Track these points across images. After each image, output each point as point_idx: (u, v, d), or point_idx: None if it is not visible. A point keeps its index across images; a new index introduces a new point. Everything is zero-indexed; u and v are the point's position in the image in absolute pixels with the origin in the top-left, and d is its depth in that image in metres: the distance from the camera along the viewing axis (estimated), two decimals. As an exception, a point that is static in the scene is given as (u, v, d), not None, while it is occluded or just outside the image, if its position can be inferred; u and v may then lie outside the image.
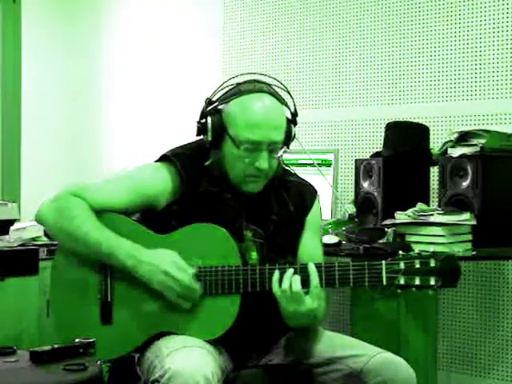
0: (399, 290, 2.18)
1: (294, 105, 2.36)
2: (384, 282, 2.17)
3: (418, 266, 2.16)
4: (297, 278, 2.15)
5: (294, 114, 2.35)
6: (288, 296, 2.15)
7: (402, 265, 2.17)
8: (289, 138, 2.31)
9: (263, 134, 2.23)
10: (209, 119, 2.28)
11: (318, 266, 2.19)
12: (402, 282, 2.17)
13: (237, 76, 2.36)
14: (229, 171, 2.29)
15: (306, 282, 2.16)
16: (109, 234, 2.21)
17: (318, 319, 2.25)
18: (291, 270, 2.17)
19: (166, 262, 2.16)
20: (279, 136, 2.26)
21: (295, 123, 2.35)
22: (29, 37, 4.84)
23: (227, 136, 2.26)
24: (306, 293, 2.15)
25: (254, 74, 2.37)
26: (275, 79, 2.39)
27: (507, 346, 3.49)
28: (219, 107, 2.30)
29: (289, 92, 2.37)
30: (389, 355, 2.23)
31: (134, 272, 2.19)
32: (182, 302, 2.18)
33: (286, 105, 2.32)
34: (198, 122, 2.32)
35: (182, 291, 2.17)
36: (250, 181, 2.28)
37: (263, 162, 2.24)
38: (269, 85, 2.32)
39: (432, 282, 2.16)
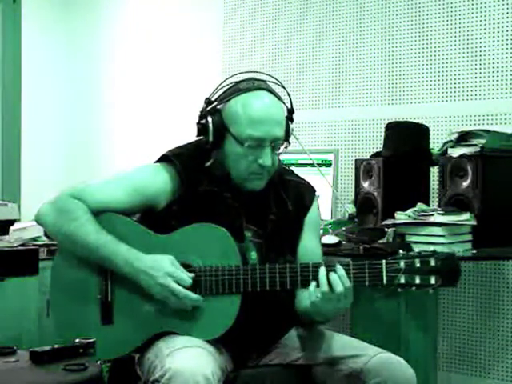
0: (399, 289, 2.18)
1: (291, 101, 2.37)
2: (384, 282, 2.17)
3: (418, 265, 2.16)
4: (337, 279, 2.14)
5: (291, 111, 2.36)
6: (326, 297, 2.14)
7: (402, 264, 2.17)
8: (288, 133, 2.32)
9: (266, 131, 2.23)
10: (209, 119, 2.28)
11: (317, 266, 2.19)
12: (402, 281, 2.17)
13: (233, 76, 2.36)
14: (231, 170, 2.29)
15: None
16: (107, 239, 2.21)
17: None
18: (324, 269, 2.16)
19: (161, 274, 2.16)
20: (281, 132, 2.27)
21: (292, 119, 2.35)
22: (29, 37, 4.84)
23: (229, 135, 2.26)
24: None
25: (250, 72, 2.37)
26: (272, 76, 2.39)
27: (507, 346, 3.49)
28: (218, 107, 2.29)
29: (285, 89, 2.37)
30: (389, 355, 2.23)
31: (132, 278, 2.19)
32: (182, 307, 2.18)
33: (283, 101, 2.33)
34: (198, 123, 2.32)
35: (180, 302, 2.17)
36: (254, 178, 2.28)
37: (267, 159, 2.25)
38: (265, 82, 2.32)
39: (432, 281, 2.16)
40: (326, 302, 2.15)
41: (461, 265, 2.20)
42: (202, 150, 2.32)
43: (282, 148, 2.30)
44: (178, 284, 2.16)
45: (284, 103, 2.33)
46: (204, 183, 2.29)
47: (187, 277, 2.17)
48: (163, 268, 2.17)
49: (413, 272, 2.16)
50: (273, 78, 2.38)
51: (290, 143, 2.34)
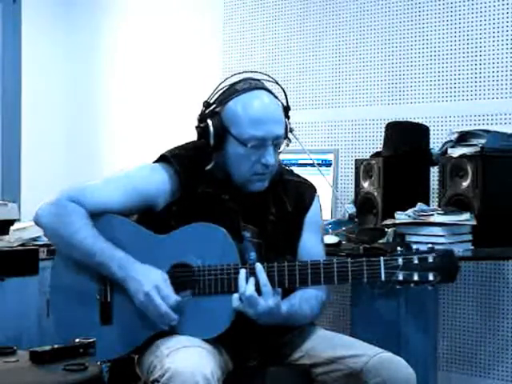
0: (398, 286, 2.18)
1: (286, 98, 2.37)
2: (383, 278, 2.17)
3: (416, 261, 2.17)
4: (250, 283, 2.16)
5: (287, 108, 2.36)
6: (244, 301, 2.15)
7: (400, 261, 2.17)
8: (287, 131, 2.32)
9: (267, 130, 2.24)
10: (209, 122, 2.27)
11: (314, 264, 2.19)
12: (400, 277, 2.17)
13: (228, 78, 2.35)
14: (233, 172, 2.29)
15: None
16: (103, 245, 2.21)
17: (294, 317, 2.26)
18: (243, 272, 2.17)
19: (150, 284, 2.16)
20: (281, 130, 2.28)
21: (288, 117, 2.35)
22: (29, 37, 4.84)
23: (230, 137, 2.26)
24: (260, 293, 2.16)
25: (245, 72, 2.37)
26: (268, 75, 2.39)
27: (507, 346, 3.49)
28: (217, 109, 2.29)
29: (281, 87, 2.37)
30: (389, 355, 2.23)
31: (123, 284, 2.20)
32: (157, 321, 2.18)
33: (279, 99, 2.33)
34: (198, 127, 2.31)
35: (158, 317, 2.17)
36: (256, 179, 2.29)
37: (270, 158, 2.25)
38: (260, 81, 2.32)
39: (431, 278, 2.16)
40: (243, 308, 2.16)
41: (459, 262, 2.20)
42: (201, 153, 2.31)
43: (282, 146, 2.30)
44: (163, 300, 2.16)
45: (281, 101, 2.33)
46: (203, 184, 2.29)
47: (173, 297, 2.17)
48: (153, 280, 2.17)
49: (411, 268, 2.16)
50: (268, 76, 2.38)
51: (290, 140, 2.34)
